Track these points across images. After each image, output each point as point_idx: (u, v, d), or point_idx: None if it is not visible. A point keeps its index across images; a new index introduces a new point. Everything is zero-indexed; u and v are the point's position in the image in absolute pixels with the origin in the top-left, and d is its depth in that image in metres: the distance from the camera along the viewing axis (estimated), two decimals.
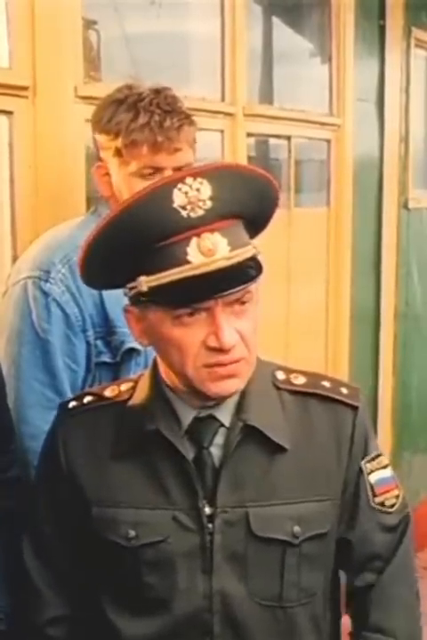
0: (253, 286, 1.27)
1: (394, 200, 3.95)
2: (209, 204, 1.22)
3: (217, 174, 1.24)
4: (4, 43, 2.03)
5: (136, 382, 1.42)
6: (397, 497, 1.43)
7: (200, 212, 1.22)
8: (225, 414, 1.34)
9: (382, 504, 1.41)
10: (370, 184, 3.81)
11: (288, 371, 1.43)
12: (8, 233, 2.10)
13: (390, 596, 1.40)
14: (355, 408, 1.40)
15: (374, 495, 1.41)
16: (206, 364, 1.26)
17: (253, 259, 1.27)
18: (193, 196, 1.22)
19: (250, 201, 1.27)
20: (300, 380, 1.41)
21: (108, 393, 1.44)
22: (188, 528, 1.33)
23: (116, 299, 1.56)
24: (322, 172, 3.59)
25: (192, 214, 1.22)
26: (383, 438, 3.87)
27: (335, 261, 3.56)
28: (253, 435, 1.34)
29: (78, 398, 1.46)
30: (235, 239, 1.25)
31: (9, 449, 1.58)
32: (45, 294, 1.74)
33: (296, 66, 3.59)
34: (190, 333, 1.25)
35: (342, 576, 1.46)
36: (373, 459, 1.42)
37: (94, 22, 2.43)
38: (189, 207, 1.22)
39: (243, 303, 1.26)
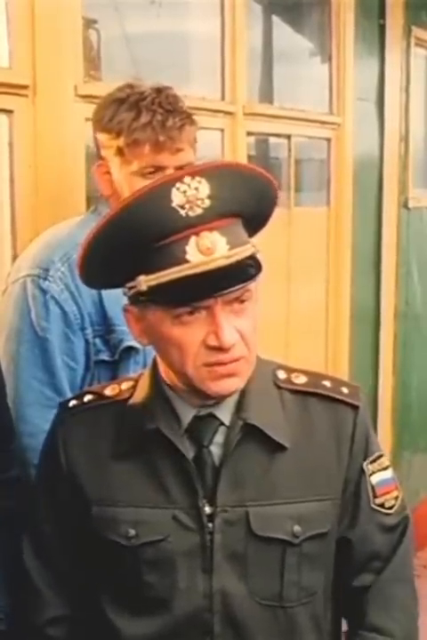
0: (252, 285, 1.27)
1: (394, 199, 3.95)
2: (208, 202, 1.22)
3: (216, 173, 1.24)
4: (4, 42, 2.03)
5: (136, 381, 1.42)
6: (396, 498, 1.43)
7: (199, 211, 1.22)
8: (225, 413, 1.34)
9: (382, 505, 1.41)
10: (370, 183, 3.81)
11: (289, 370, 1.43)
12: (8, 232, 2.10)
13: (388, 596, 1.40)
14: (356, 407, 1.40)
15: (375, 496, 1.41)
16: (206, 362, 1.26)
17: (253, 257, 1.27)
18: (192, 195, 1.22)
19: (249, 200, 1.27)
20: (301, 380, 1.41)
21: (108, 392, 1.43)
22: (188, 527, 1.32)
23: (114, 297, 1.56)
24: (322, 172, 3.59)
25: (191, 213, 1.22)
26: (383, 438, 3.87)
27: (335, 261, 3.56)
28: (253, 433, 1.34)
29: (78, 397, 1.46)
30: (234, 238, 1.25)
31: (9, 448, 1.58)
32: (44, 292, 1.74)
33: (296, 65, 3.59)
34: (190, 332, 1.25)
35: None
36: (374, 460, 1.42)
37: (94, 21, 2.43)
38: (187, 206, 1.22)
39: (242, 302, 1.26)
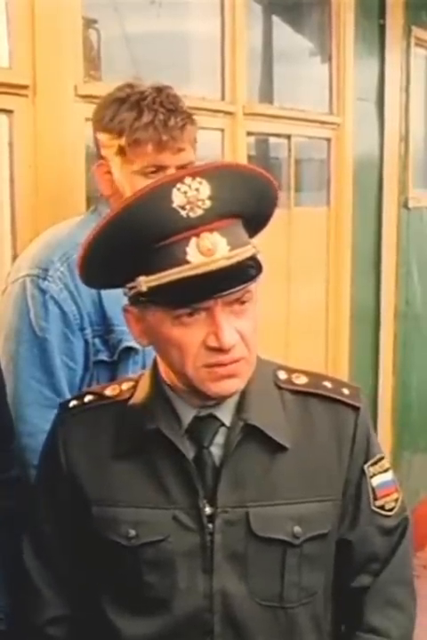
0: (252, 286, 1.26)
1: (394, 199, 3.95)
2: (208, 203, 1.22)
3: (216, 174, 1.24)
4: (4, 42, 2.03)
5: (137, 381, 1.42)
6: (396, 500, 1.43)
7: (199, 212, 1.22)
8: (225, 413, 1.34)
9: (382, 507, 1.41)
10: (370, 183, 3.82)
11: (290, 370, 1.43)
12: (8, 232, 2.10)
13: (386, 597, 1.40)
14: (357, 408, 1.40)
15: (375, 498, 1.40)
16: (206, 363, 1.25)
17: (253, 258, 1.27)
18: (192, 196, 1.22)
19: (249, 200, 1.27)
20: (301, 380, 1.41)
21: (108, 392, 1.43)
22: (188, 527, 1.32)
23: (114, 297, 1.56)
24: (322, 172, 3.59)
25: (191, 214, 1.22)
26: (383, 438, 3.87)
27: (335, 261, 3.56)
28: (253, 434, 1.33)
29: (79, 397, 1.46)
30: (234, 239, 1.24)
31: (9, 448, 1.58)
32: (43, 292, 1.74)
33: (296, 65, 3.59)
34: (190, 333, 1.25)
35: None
36: (375, 462, 1.42)
37: (94, 21, 2.43)
38: (188, 207, 1.22)
39: (243, 303, 1.26)
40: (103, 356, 1.79)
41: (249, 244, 1.27)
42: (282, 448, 1.34)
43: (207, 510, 1.32)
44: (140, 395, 1.39)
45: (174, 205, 1.22)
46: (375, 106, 3.83)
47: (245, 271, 1.25)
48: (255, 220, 1.32)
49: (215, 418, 1.34)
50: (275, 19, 3.46)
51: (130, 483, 1.35)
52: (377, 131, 3.85)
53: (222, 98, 2.88)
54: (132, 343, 1.70)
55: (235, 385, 1.29)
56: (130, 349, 1.77)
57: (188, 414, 1.34)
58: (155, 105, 1.73)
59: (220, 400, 1.32)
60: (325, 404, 1.39)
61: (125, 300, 1.33)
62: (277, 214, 1.38)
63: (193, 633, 1.33)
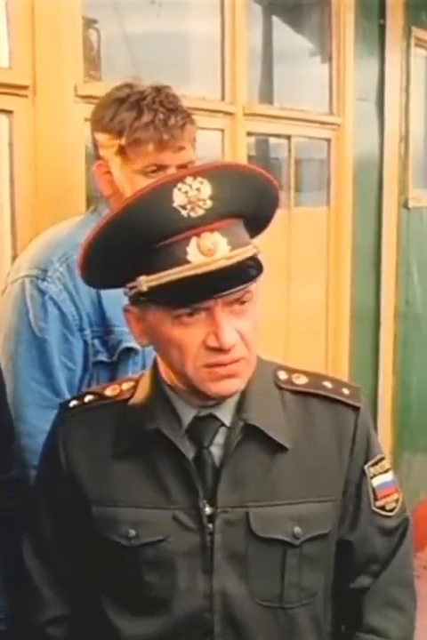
0: (253, 286, 1.26)
1: (394, 199, 3.95)
2: (209, 203, 1.22)
3: (217, 174, 1.24)
4: (4, 42, 2.03)
5: (137, 381, 1.42)
6: (396, 501, 1.43)
7: (200, 212, 1.22)
8: (226, 413, 1.34)
9: (383, 508, 1.41)
10: (370, 183, 3.82)
11: (290, 370, 1.43)
12: (8, 232, 2.10)
13: (386, 598, 1.40)
14: (357, 409, 1.40)
15: (376, 499, 1.40)
16: (206, 363, 1.25)
17: (254, 258, 1.27)
18: (193, 196, 1.22)
19: (250, 200, 1.27)
20: (301, 380, 1.41)
21: (109, 392, 1.43)
22: (188, 527, 1.32)
23: (113, 298, 1.56)
24: (322, 172, 3.59)
25: (192, 214, 1.22)
26: (383, 438, 3.87)
27: (335, 261, 3.56)
28: (253, 434, 1.33)
29: (79, 397, 1.46)
30: (235, 239, 1.24)
31: (9, 449, 1.58)
32: (42, 293, 1.74)
33: (296, 65, 3.59)
34: (190, 333, 1.25)
35: None
36: (376, 463, 1.42)
37: (94, 21, 2.43)
38: (189, 207, 1.22)
39: (243, 303, 1.26)
40: (103, 357, 1.79)
41: (250, 245, 1.27)
42: (282, 448, 1.34)
43: (207, 510, 1.32)
44: (141, 395, 1.39)
45: (175, 205, 1.21)
46: (375, 106, 3.83)
47: (246, 271, 1.25)
48: (257, 221, 1.31)
49: (215, 418, 1.34)
50: (275, 19, 3.46)
51: (130, 483, 1.35)
52: (377, 131, 3.85)
53: (222, 98, 2.88)
54: (132, 344, 1.70)
55: (235, 385, 1.29)
56: (129, 350, 1.77)
57: (188, 414, 1.34)
58: (155, 104, 1.73)
59: (220, 400, 1.32)
60: (325, 405, 1.39)
61: (125, 301, 1.33)
62: (278, 214, 1.38)
63: (193, 633, 1.33)
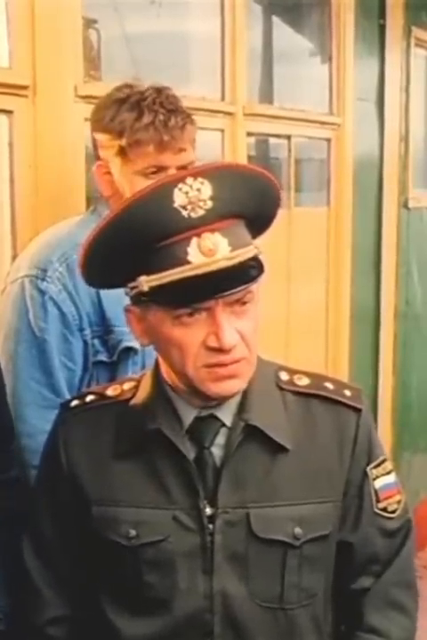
0: (253, 286, 1.26)
1: (394, 199, 3.95)
2: (210, 203, 1.22)
3: (218, 174, 1.24)
4: (4, 42, 2.03)
5: (139, 381, 1.42)
6: (399, 502, 1.43)
7: (201, 212, 1.22)
8: (226, 414, 1.34)
9: (385, 509, 1.41)
10: (370, 183, 3.81)
11: (292, 371, 1.42)
12: (8, 232, 2.10)
13: (387, 599, 1.40)
14: (358, 410, 1.40)
15: (378, 500, 1.40)
16: (207, 364, 1.25)
17: (255, 259, 1.27)
18: (194, 196, 1.21)
19: (251, 201, 1.27)
20: (303, 381, 1.41)
21: (110, 392, 1.43)
22: (188, 528, 1.32)
23: (113, 297, 1.56)
24: (322, 172, 3.59)
25: (193, 214, 1.22)
26: (383, 438, 3.87)
27: (335, 261, 3.56)
28: (254, 435, 1.33)
29: (80, 397, 1.46)
30: (236, 239, 1.24)
31: (9, 449, 1.58)
32: (42, 293, 1.74)
33: (296, 65, 3.59)
34: (190, 333, 1.24)
35: None
36: (378, 464, 1.41)
37: (94, 21, 2.43)
38: (189, 207, 1.22)
39: (244, 303, 1.26)
40: (102, 357, 1.79)
41: (251, 245, 1.27)
42: (283, 449, 1.34)
43: (208, 511, 1.32)
44: (142, 395, 1.39)
45: (176, 205, 1.21)
46: (375, 106, 3.83)
47: (247, 272, 1.25)
48: (258, 221, 1.31)
49: (216, 418, 1.34)
50: (275, 19, 3.46)
51: (131, 483, 1.35)
52: (377, 131, 3.85)
53: (222, 98, 2.88)
54: (132, 343, 1.70)
55: (236, 385, 1.29)
56: (129, 350, 1.77)
57: (189, 415, 1.34)
58: (155, 105, 1.73)
59: (220, 400, 1.32)
60: (326, 406, 1.39)
61: (126, 301, 1.33)
62: (278, 214, 1.38)
63: (193, 633, 1.33)
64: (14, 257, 2.03)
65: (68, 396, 1.66)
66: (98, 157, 1.82)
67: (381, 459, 1.42)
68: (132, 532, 1.33)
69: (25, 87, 2.02)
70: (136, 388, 1.41)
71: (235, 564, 1.32)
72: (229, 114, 2.85)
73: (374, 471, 1.41)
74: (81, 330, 1.77)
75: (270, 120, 3.16)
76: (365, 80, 3.69)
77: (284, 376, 1.41)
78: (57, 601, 1.42)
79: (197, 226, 1.22)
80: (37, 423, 1.67)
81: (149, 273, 1.24)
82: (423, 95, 4.46)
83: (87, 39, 2.33)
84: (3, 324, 1.79)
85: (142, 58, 2.62)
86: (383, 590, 1.40)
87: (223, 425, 1.34)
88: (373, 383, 3.94)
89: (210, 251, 1.22)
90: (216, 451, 1.34)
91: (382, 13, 3.78)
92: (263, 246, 1.31)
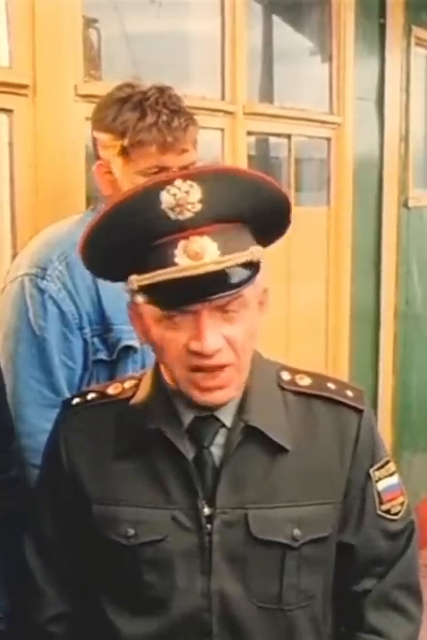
0: (247, 291, 1.25)
1: (394, 199, 3.95)
2: (199, 207, 1.21)
3: (209, 177, 1.22)
4: (4, 42, 2.03)
5: (139, 380, 1.42)
6: (402, 504, 1.42)
7: (188, 215, 1.21)
8: (226, 414, 1.34)
9: (388, 511, 1.40)
10: (370, 183, 3.81)
11: (294, 371, 1.42)
12: (8, 232, 2.10)
13: (389, 600, 1.40)
14: (360, 411, 1.39)
15: (381, 503, 1.40)
16: (189, 367, 1.25)
17: (249, 264, 1.25)
18: (181, 198, 1.20)
19: (245, 204, 1.24)
20: (305, 382, 1.40)
21: (111, 390, 1.43)
22: (186, 528, 1.32)
23: (113, 296, 1.56)
24: (322, 171, 3.58)
25: (180, 217, 1.21)
26: (383, 438, 3.84)
27: (335, 260, 3.56)
28: (254, 435, 1.33)
29: (81, 395, 1.46)
30: (226, 243, 1.22)
31: (9, 448, 1.58)
32: (42, 292, 1.74)
33: (296, 64, 3.59)
34: (177, 335, 1.24)
35: None
36: (381, 466, 1.41)
37: (95, 21, 2.43)
38: (177, 209, 1.20)
39: (234, 308, 1.24)
40: (102, 355, 1.79)
41: (245, 250, 1.24)
42: (283, 450, 1.34)
43: (206, 511, 1.32)
44: (142, 394, 1.39)
45: (163, 207, 1.20)
46: (375, 105, 3.83)
47: (236, 277, 1.23)
48: (266, 225, 1.29)
49: (216, 418, 1.34)
50: (275, 18, 3.46)
51: (131, 482, 1.35)
52: (377, 130, 3.85)
53: (222, 97, 2.88)
54: (131, 342, 1.70)
55: (222, 396, 1.29)
56: (129, 348, 1.77)
57: (188, 414, 1.34)
58: (158, 106, 1.73)
59: (210, 408, 1.32)
60: (328, 406, 1.39)
61: (125, 299, 1.33)
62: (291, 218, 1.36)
63: (191, 633, 1.33)
64: (14, 256, 2.03)
65: (67, 395, 1.66)
66: (98, 157, 1.81)
67: (384, 460, 1.42)
68: (132, 532, 1.33)
69: (25, 86, 2.02)
70: (137, 386, 1.41)
71: (233, 564, 1.32)
72: (230, 113, 2.85)
73: (378, 473, 1.40)
74: (81, 328, 1.77)
75: (270, 119, 3.16)
76: (365, 79, 3.69)
77: (285, 376, 1.40)
78: (58, 599, 1.42)
79: (184, 228, 1.21)
80: (37, 422, 1.67)
81: (140, 272, 1.24)
82: (424, 95, 4.46)
83: (87, 38, 2.33)
84: (2, 322, 1.79)
85: (142, 57, 2.62)
86: (385, 592, 1.40)
87: (223, 425, 1.34)
88: (373, 383, 3.94)
89: (197, 254, 1.21)
90: (216, 451, 1.33)
91: (382, 12, 3.77)
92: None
